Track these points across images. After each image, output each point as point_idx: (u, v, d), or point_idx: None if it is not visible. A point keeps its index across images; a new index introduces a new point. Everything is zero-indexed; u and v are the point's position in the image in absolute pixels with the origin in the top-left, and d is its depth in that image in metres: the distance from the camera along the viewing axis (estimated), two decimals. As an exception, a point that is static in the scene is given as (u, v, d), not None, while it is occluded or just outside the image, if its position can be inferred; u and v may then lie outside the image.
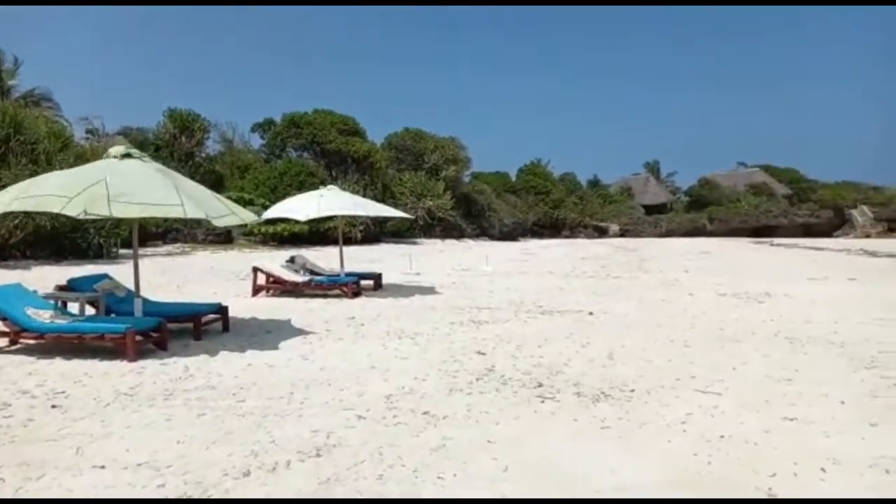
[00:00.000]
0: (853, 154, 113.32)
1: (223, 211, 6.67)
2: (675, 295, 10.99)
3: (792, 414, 4.20)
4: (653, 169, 65.37)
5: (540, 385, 5.00)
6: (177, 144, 30.52)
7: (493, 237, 39.03)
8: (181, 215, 5.98)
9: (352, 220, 26.12)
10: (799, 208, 47.01)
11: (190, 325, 6.95)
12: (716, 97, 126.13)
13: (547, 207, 48.47)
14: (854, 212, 43.18)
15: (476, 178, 47.07)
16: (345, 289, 10.61)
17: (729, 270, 16.45)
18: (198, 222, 21.17)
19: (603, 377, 5.26)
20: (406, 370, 5.52)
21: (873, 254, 23.00)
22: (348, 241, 26.17)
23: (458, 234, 36.69)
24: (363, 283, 11.60)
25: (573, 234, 47.96)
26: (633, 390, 4.85)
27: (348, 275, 11.44)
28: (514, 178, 53.28)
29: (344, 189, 22.52)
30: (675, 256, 22.89)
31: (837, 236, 40.19)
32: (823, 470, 3.27)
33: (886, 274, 15.43)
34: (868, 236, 38.26)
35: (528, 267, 18.29)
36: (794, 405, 4.40)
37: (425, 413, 4.27)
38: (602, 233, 48.50)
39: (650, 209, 55.02)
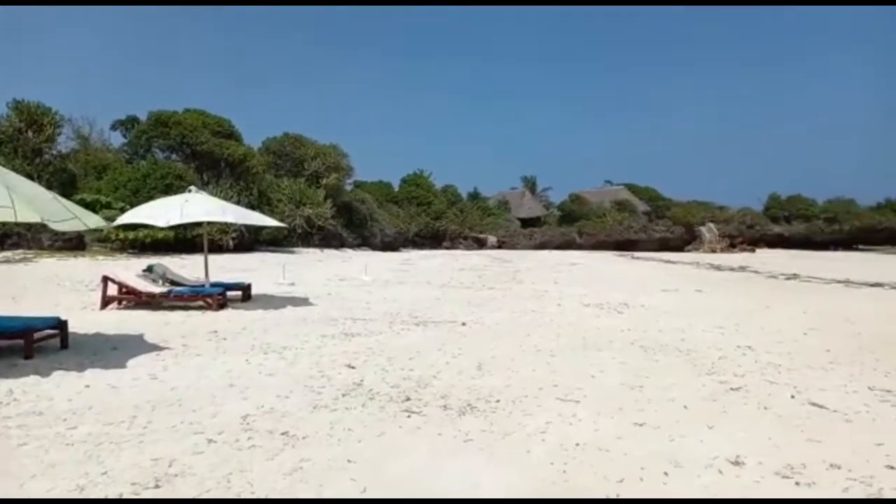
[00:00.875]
0: (704, 176, 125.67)
1: (65, 214, 6.01)
2: (544, 305, 11.43)
3: (641, 419, 4.45)
4: (529, 184, 68.33)
5: (408, 399, 4.93)
6: (22, 139, 27.45)
7: (374, 247, 38.75)
8: (11, 219, 5.29)
9: (224, 228, 24.81)
10: (656, 224, 51.18)
11: (21, 342, 6.16)
12: (585, 120, 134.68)
13: (429, 218, 49.01)
14: (702, 228, 47.69)
15: (358, 187, 46.61)
16: (209, 300, 9.96)
17: (594, 281, 17.45)
18: (43, 226, 19.14)
19: (471, 388, 5.29)
20: (268, 387, 5.23)
21: (718, 267, 25.47)
22: (219, 249, 24.82)
23: (339, 243, 36.05)
24: (231, 294, 10.97)
25: (454, 244, 48.83)
26: (498, 401, 4.91)
27: (214, 285, 10.77)
28: (396, 189, 53.42)
29: (217, 194, 21.38)
30: (547, 268, 23.95)
31: (688, 250, 44.11)
32: (666, 473, 3.46)
33: (728, 285, 17.10)
34: (714, 251, 42.32)
35: (407, 277, 18.30)
36: (643, 411, 4.67)
37: (284, 433, 4.05)
38: (481, 244, 49.81)
39: (526, 222, 57.39)
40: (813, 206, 56.34)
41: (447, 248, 47.32)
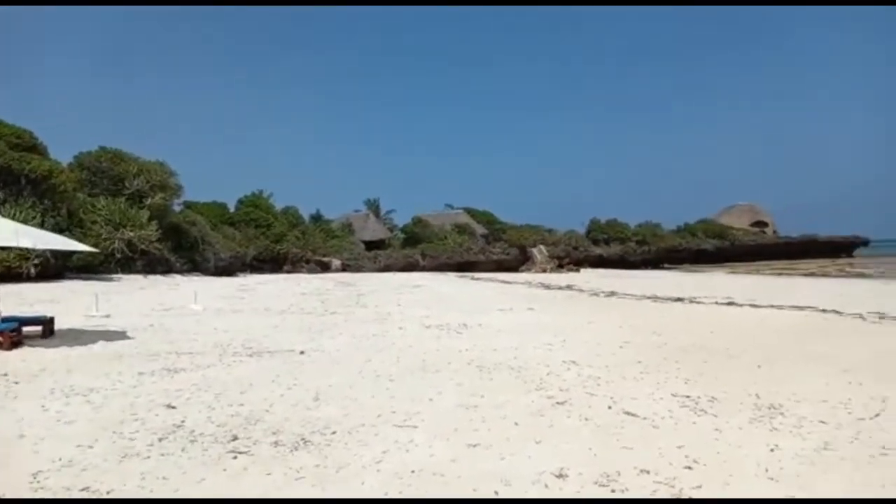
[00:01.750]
0: (533, 201, 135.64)
1: None
2: (386, 329, 11.40)
3: (475, 440, 4.54)
4: (373, 206, 68.65)
5: (235, 438, 4.58)
6: None
7: (207, 272, 36.21)
8: None
9: (24, 253, 21.70)
10: (494, 246, 54.03)
11: None
12: (429, 147, 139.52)
13: (268, 241, 47.03)
14: (534, 250, 51.14)
15: (189, 208, 43.48)
16: (-1, 338, 8.59)
17: (436, 303, 17.82)
18: None
19: (306, 421, 5.06)
20: (68, 437, 4.58)
21: (547, 286, 27.34)
22: (18, 277, 21.70)
23: (166, 268, 33.17)
24: (28, 329, 9.56)
25: (295, 268, 47.31)
26: (334, 432, 4.75)
27: (5, 320, 9.30)
28: (232, 210, 50.69)
29: (15, 215, 18.64)
30: (391, 290, 24.05)
31: (522, 271, 46.97)
32: (497, 493, 3.55)
33: (556, 303, 18.37)
34: (544, 271, 45.50)
35: (243, 304, 17.31)
36: (477, 431, 4.78)
37: (84, 489, 3.55)
38: (325, 267, 48.84)
39: (370, 245, 57.41)
40: (626, 229, 62.92)
41: (288, 271, 45.71)
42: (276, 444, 4.46)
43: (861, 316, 12.62)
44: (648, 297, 19.28)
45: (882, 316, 12.53)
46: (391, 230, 66.26)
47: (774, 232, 72.40)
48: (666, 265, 58.45)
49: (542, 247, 51.86)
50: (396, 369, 7.39)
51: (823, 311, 13.86)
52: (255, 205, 50.64)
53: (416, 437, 4.65)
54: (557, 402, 5.70)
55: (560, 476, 3.78)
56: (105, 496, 3.47)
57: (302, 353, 8.58)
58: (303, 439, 4.56)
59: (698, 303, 16.94)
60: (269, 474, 3.85)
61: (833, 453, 4.23)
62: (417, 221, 60.83)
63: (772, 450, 4.27)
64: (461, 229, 58.19)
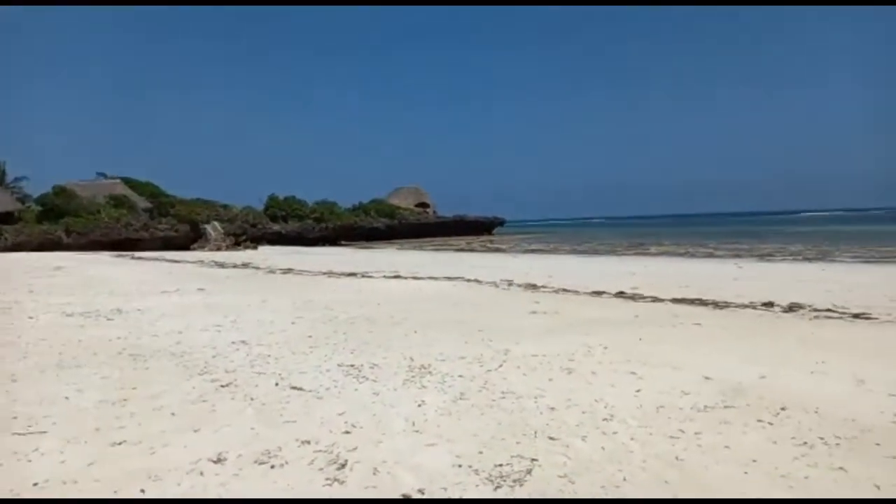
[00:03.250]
0: (205, 174, 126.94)
1: None
2: (10, 321, 9.37)
3: (121, 437, 4.05)
4: (-3, 172, 55.46)
5: None
6: None
7: None
8: None
9: None
10: (159, 222, 48.87)
11: None
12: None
13: None
14: (207, 227, 48.00)
15: None
16: None
17: (82, 288, 15.34)
18: None
19: None
20: None
21: (222, 265, 25.97)
22: None
23: None
24: None
25: None
26: (-82, 456, 3.70)
27: None
28: None
29: None
30: (22, 273, 19.90)
31: (194, 249, 43.68)
32: (143, 491, 3.21)
33: (231, 282, 17.57)
34: (220, 249, 43.12)
35: None
36: (124, 427, 4.26)
37: None
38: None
39: (-8, 218, 46.37)
40: (305, 206, 63.66)
41: None
42: None
43: (495, 284, 15.12)
44: (324, 273, 19.87)
45: (510, 283, 15.21)
46: (22, 201, 54.65)
47: (434, 212, 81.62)
48: (343, 242, 61.10)
49: (216, 223, 49.01)
50: (23, 367, 6.14)
51: (468, 280, 16.19)
52: None
53: (44, 444, 3.93)
54: (222, 385, 5.45)
55: (218, 461, 3.62)
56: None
57: None
58: None
59: (369, 277, 18.11)
60: None
61: (466, 401, 4.95)
62: (60, 191, 51.36)
63: (419, 405, 4.80)
64: (118, 202, 51.22)
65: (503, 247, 47.86)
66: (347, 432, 4.16)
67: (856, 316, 9.12)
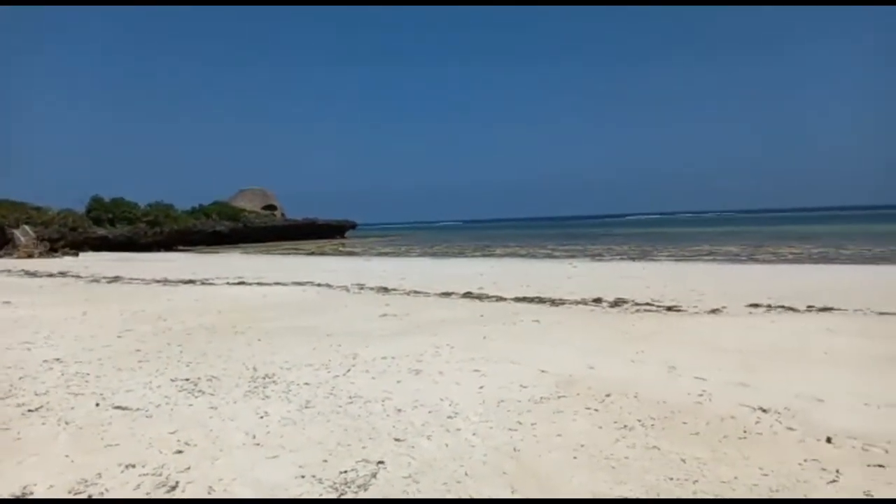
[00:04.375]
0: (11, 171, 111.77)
1: None
2: None
3: None
4: None
5: None
6: None
7: None
8: None
9: None
10: (-46, 226, 42.03)
11: None
12: None
13: None
14: (17, 231, 42.19)
15: None
16: None
17: None
18: None
19: None
20: None
21: (34, 274, 22.96)
22: None
23: None
24: None
25: None
26: None
27: None
28: None
29: None
30: None
31: (1, 257, 38.20)
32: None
33: (43, 294, 15.56)
34: (31, 256, 38.04)
35: None
36: None
37: None
38: None
39: None
40: (135, 209, 58.30)
41: None
42: None
43: (346, 288, 14.94)
44: (158, 281, 18.35)
45: (362, 286, 15.12)
46: None
47: (283, 215, 78.85)
48: (180, 247, 56.82)
49: (27, 227, 43.23)
50: None
51: (319, 285, 15.84)
52: None
53: None
54: (30, 410, 4.81)
55: (22, 497, 3.18)
56: None
57: None
58: None
59: (210, 284, 17.03)
60: None
61: (312, 409, 4.82)
62: None
63: (261, 417, 4.59)
64: None
65: (356, 250, 47.50)
66: (180, 451, 3.86)
67: (669, 309, 10.27)
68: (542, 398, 5.01)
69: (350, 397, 5.14)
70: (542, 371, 5.91)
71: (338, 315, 10.26)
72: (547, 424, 4.36)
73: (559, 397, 5.04)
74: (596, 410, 4.67)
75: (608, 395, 5.04)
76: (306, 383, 5.64)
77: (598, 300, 11.47)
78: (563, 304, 11.20)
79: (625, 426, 4.30)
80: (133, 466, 3.60)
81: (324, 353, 6.97)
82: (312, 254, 43.10)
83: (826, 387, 5.16)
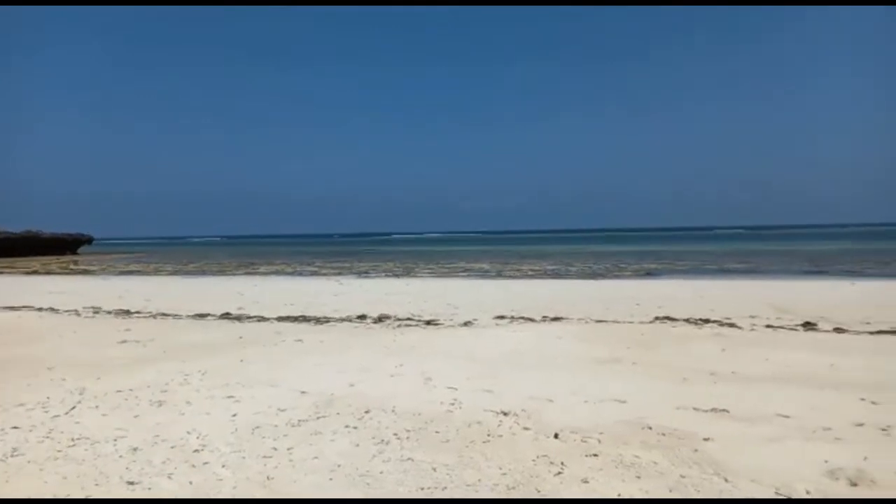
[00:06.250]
0: None
1: None
2: None
3: None
4: None
5: None
6: None
7: None
8: None
9: None
10: None
11: None
12: None
13: None
14: None
15: None
16: None
17: None
18: None
19: None
20: None
21: None
22: None
23: None
24: None
25: None
26: None
27: None
28: None
29: None
30: None
31: None
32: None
33: None
34: None
35: None
36: None
37: None
38: None
39: None
40: None
41: None
42: None
43: (77, 312, 12.93)
44: None
45: (97, 310, 13.21)
46: None
47: (-6, 226, 65.69)
48: None
49: None
50: None
51: (39, 309, 13.48)
52: None
53: None
54: None
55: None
56: None
57: None
58: None
59: None
60: None
61: (20, 458, 4.03)
62: None
63: (-57, 476, 3.68)
64: None
65: (92, 268, 41.52)
66: None
67: (428, 322, 10.82)
68: (300, 420, 4.86)
69: (73, 440, 4.41)
70: (303, 392, 5.75)
71: (63, 343, 8.82)
72: (304, 447, 4.23)
73: (318, 418, 4.93)
74: (355, 428, 4.67)
75: (367, 412, 5.08)
76: (14, 427, 4.71)
77: (362, 317, 11.61)
78: (329, 321, 11.11)
79: (382, 441, 4.37)
80: None
81: (41, 390, 5.91)
82: (35, 273, 36.63)
83: (554, 388, 5.87)
